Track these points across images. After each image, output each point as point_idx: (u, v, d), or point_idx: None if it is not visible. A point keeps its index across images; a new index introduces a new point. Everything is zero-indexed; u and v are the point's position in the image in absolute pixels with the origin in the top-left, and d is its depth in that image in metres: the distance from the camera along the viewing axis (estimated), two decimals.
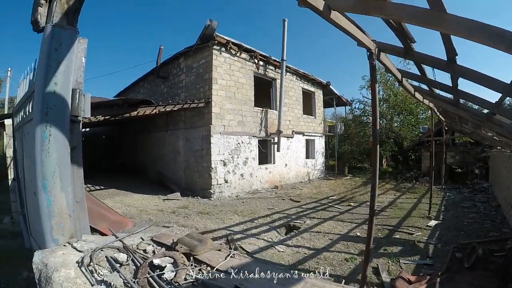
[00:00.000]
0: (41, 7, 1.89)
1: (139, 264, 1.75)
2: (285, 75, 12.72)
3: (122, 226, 6.55)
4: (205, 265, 1.70)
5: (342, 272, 4.19)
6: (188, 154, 10.92)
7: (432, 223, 6.63)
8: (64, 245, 1.86)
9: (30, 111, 2.81)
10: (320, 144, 16.52)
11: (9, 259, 5.28)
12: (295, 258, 4.68)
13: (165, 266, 1.66)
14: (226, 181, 10.48)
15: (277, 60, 12.58)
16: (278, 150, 12.35)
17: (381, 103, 19.54)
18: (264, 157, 12.61)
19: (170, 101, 10.02)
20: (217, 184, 10.18)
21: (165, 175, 12.19)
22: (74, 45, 2.01)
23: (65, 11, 1.95)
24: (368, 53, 3.02)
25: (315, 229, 6.26)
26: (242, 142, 11.10)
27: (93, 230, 6.17)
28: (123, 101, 8.35)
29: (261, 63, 12.11)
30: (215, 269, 1.59)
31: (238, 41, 10.97)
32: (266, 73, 12.53)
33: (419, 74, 4.33)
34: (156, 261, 1.70)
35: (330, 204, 8.99)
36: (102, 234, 6.16)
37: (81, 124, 2.25)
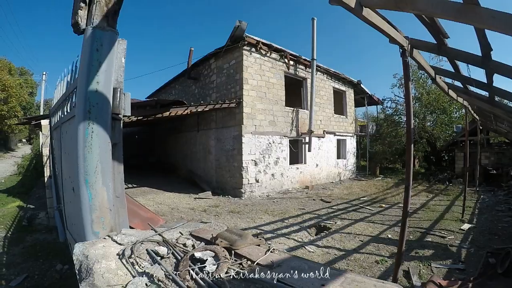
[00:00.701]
0: (81, 10, 1.90)
1: (179, 257, 1.63)
2: (316, 74, 12.34)
3: (154, 223, 6.67)
4: (245, 259, 1.54)
5: (372, 274, 4.02)
6: (219, 154, 10.88)
7: (465, 226, 6.18)
8: (104, 238, 1.83)
9: (69, 110, 2.85)
10: (351, 144, 15.82)
11: (44, 252, 5.45)
12: (325, 259, 4.53)
13: (206, 259, 1.55)
14: (257, 181, 10.27)
15: (307, 59, 12.24)
16: (309, 150, 11.94)
17: (414, 101, 18.37)
18: (295, 157, 12.25)
19: (201, 102, 10.00)
20: (248, 183, 9.99)
21: (196, 173, 12.26)
22: (115, 46, 1.98)
23: (104, 13, 1.94)
24: (400, 50, 2.90)
25: (345, 230, 6.03)
26: (273, 142, 10.83)
27: None
28: (155, 102, 8.47)
29: (291, 62, 11.81)
30: (255, 263, 1.43)
31: (268, 41, 10.78)
32: (297, 72, 12.18)
33: (453, 71, 4.04)
34: (198, 255, 1.58)
35: (361, 205, 8.59)
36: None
37: (121, 122, 2.23)
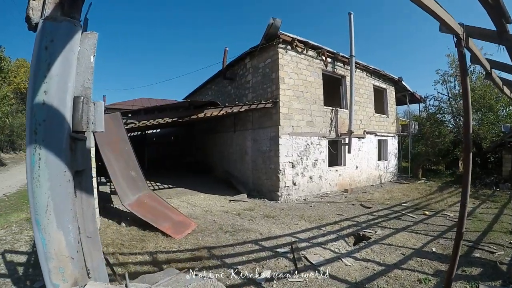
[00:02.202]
0: (34, 0, 1.38)
1: None
2: (355, 71, 11.15)
3: (185, 227, 6.13)
4: None
5: None
6: (255, 155, 10.17)
7: None
8: None
9: None
10: (393, 145, 14.26)
11: None
12: (363, 275, 3.98)
13: None
14: (294, 184, 9.39)
15: (346, 56, 11.12)
16: (349, 152, 10.79)
17: (457, 99, 16.31)
18: (334, 158, 11.16)
19: (237, 102, 9.40)
20: (285, 186, 9.15)
21: (232, 174, 11.67)
22: (73, 41, 1.42)
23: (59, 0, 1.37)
24: (455, 39, 2.56)
25: (386, 241, 5.32)
26: (312, 143, 9.87)
27: (155, 230, 5.76)
28: (189, 103, 8.06)
29: (329, 60, 10.77)
30: None
31: (304, 38, 9.87)
32: (335, 70, 11.09)
33: None
34: None
35: (403, 212, 7.55)
36: (164, 234, 5.64)
37: (91, 141, 1.80)
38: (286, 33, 9.34)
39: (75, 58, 1.47)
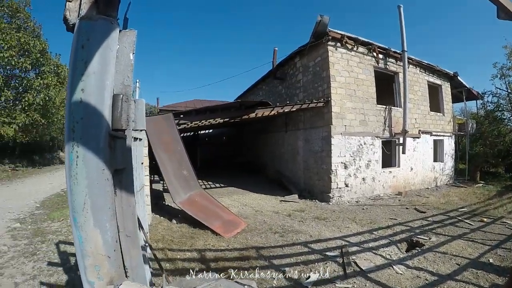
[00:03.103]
0: (70, 1, 1.37)
1: None
2: (408, 67, 10.20)
3: (235, 226, 5.97)
4: None
5: None
6: (307, 155, 9.74)
7: None
8: None
9: None
10: (449, 145, 12.89)
11: None
12: (414, 284, 3.68)
13: None
14: (347, 185, 8.80)
15: (397, 51, 10.22)
16: (403, 152, 9.89)
17: None
18: (388, 159, 10.33)
19: (288, 102, 9.08)
20: (337, 187, 8.62)
21: (283, 174, 11.34)
22: (110, 39, 1.35)
23: None
24: None
25: (440, 249, 4.83)
26: (365, 143, 9.20)
27: (205, 228, 5.63)
28: (240, 104, 7.91)
29: (380, 56, 9.99)
30: None
31: (354, 35, 9.26)
32: (387, 66, 10.27)
33: None
34: None
35: (459, 218, 6.76)
36: (214, 232, 5.48)
37: (131, 139, 1.62)
38: (335, 30, 8.85)
39: (113, 56, 1.39)
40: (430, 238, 5.30)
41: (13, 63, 13.24)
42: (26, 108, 13.61)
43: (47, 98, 14.11)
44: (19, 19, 14.49)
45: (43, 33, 15.90)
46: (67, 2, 1.35)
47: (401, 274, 3.90)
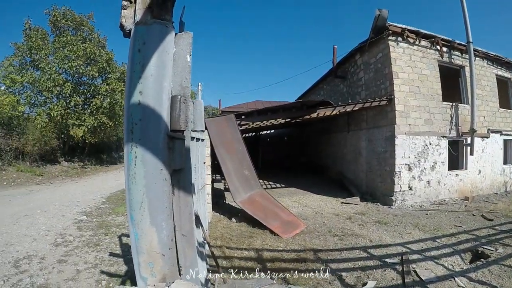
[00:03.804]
0: (125, 9, 1.36)
1: None
2: (474, 60, 9.16)
3: (294, 227, 5.78)
4: None
5: None
6: (370, 156, 9.25)
7: None
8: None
9: None
10: None
11: None
12: None
13: None
14: (410, 188, 8.17)
15: (462, 43, 9.26)
16: (471, 153, 8.94)
17: None
18: (454, 161, 9.40)
19: (350, 101, 8.67)
20: (400, 190, 8.04)
21: (345, 175, 10.94)
22: (166, 42, 1.31)
23: (148, 4, 1.33)
24: None
25: (507, 262, 4.31)
26: (430, 144, 8.47)
27: (264, 228, 5.48)
28: (301, 104, 7.70)
29: (444, 49, 9.14)
30: None
31: (415, 28, 8.54)
32: (452, 60, 9.39)
33: None
34: None
35: None
36: (272, 232, 5.33)
37: (189, 140, 1.59)
38: (395, 24, 8.30)
39: (170, 58, 1.39)
40: (496, 249, 4.79)
41: (81, 71, 14.45)
42: (94, 111, 14.79)
43: (113, 102, 15.20)
44: (83, 32, 15.80)
45: (108, 44, 17.20)
46: (122, 10, 1.38)
47: (462, 287, 3.57)
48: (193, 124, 1.59)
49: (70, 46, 14.14)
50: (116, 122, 16.44)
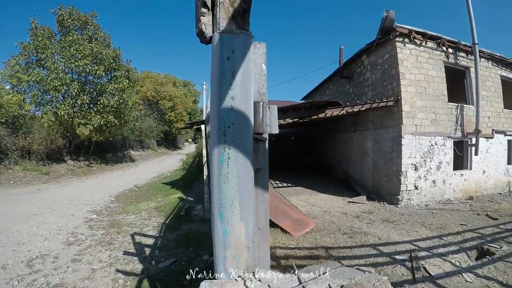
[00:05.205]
0: (204, 16, 1.50)
1: None
2: (479, 61, 9.38)
3: (304, 225, 5.98)
4: None
5: None
6: (376, 156, 9.47)
7: None
8: (236, 280, 1.43)
9: None
10: None
11: (195, 241, 5.37)
12: None
13: None
14: (416, 188, 8.41)
15: (468, 44, 9.46)
16: (476, 154, 9.17)
17: None
18: (459, 161, 9.63)
19: (357, 101, 8.88)
20: (406, 190, 8.27)
21: (351, 175, 11.14)
22: (250, 51, 1.45)
23: (231, 14, 1.46)
24: None
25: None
26: (436, 144, 8.70)
27: (275, 226, 5.66)
28: (310, 104, 7.90)
29: (450, 50, 9.36)
30: None
31: (421, 29, 8.79)
32: (457, 61, 9.61)
33: None
34: None
35: None
36: (283, 230, 5.53)
37: (267, 142, 1.72)
38: (402, 25, 8.50)
39: (252, 67, 1.50)
40: (501, 247, 4.99)
41: (87, 70, 14.66)
42: (101, 110, 15.00)
43: (121, 101, 15.41)
44: (89, 31, 16.01)
45: (113, 42, 17.37)
46: (201, 17, 1.47)
47: (470, 282, 3.78)
48: (269, 127, 1.79)
49: (77, 45, 14.35)
50: (122, 121, 16.64)
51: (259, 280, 1.44)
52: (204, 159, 7.61)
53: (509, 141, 11.00)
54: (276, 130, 1.68)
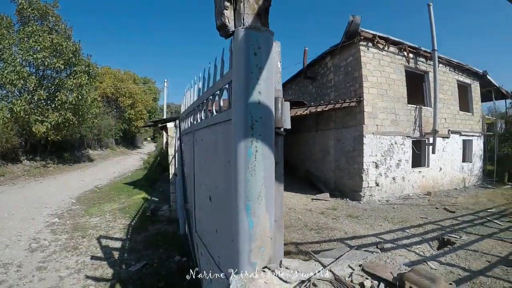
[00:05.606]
0: (227, 10, 1.55)
1: None
2: (438, 66, 10.19)
3: None
4: None
5: None
6: (338, 155, 9.94)
7: None
8: (263, 271, 1.49)
9: (203, 118, 2.65)
10: (478, 146, 12.80)
11: (164, 242, 5.39)
12: (448, 279, 3.78)
13: None
14: (377, 184, 8.96)
15: (428, 50, 10.25)
16: (433, 152, 9.97)
17: None
18: (417, 159, 10.37)
19: (321, 102, 9.25)
20: (368, 187, 8.80)
21: (314, 174, 11.55)
22: (272, 48, 1.53)
23: (256, 11, 1.54)
24: None
25: (471, 247, 5.09)
26: (395, 143, 9.32)
27: None
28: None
29: (411, 55, 10.07)
30: None
31: (385, 34, 9.35)
32: (417, 66, 10.36)
33: None
34: None
35: (488, 218, 6.92)
36: None
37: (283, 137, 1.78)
38: (366, 30, 9.01)
39: (273, 64, 1.57)
40: (461, 237, 5.50)
41: (46, 63, 13.89)
42: (59, 107, 14.25)
43: (79, 97, 14.73)
44: (50, 22, 15.17)
45: (73, 34, 16.56)
46: (225, 10, 1.52)
47: (435, 269, 4.09)
48: (285, 123, 1.86)
49: (36, 37, 13.54)
50: (81, 119, 15.92)
51: (287, 268, 1.50)
52: (170, 157, 7.54)
53: (464, 140, 12.02)
54: (289, 126, 1.72)
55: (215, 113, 2.24)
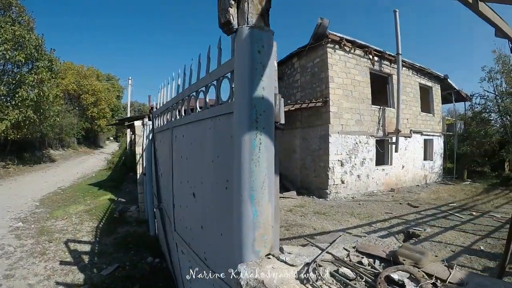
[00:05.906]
0: (231, 7, 1.66)
1: (370, 280, 1.30)
2: (401, 69, 10.90)
3: None
4: (434, 278, 1.24)
5: None
6: (304, 153, 10.34)
7: None
8: (268, 258, 1.57)
9: (184, 115, 2.72)
10: (438, 145, 13.79)
11: (135, 244, 5.40)
12: None
13: (403, 281, 1.21)
14: (343, 182, 9.45)
15: (392, 54, 10.94)
16: (396, 151, 10.64)
17: (504, 97, 15.49)
18: (381, 158, 11.04)
19: (288, 102, 9.57)
20: (334, 184, 9.26)
21: (280, 173, 11.79)
22: (272, 47, 1.69)
23: (260, 11, 1.68)
24: (510, 44, 2.98)
25: (435, 239, 5.41)
26: (360, 142, 9.88)
27: None
28: None
29: (376, 58, 10.70)
30: (447, 281, 1.22)
31: (352, 37, 9.88)
32: (382, 68, 11.00)
33: None
34: (395, 276, 1.26)
35: (450, 212, 7.47)
36: None
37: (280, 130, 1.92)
38: (334, 33, 9.43)
39: (274, 62, 1.72)
40: (425, 230, 5.88)
41: (7, 57, 13.20)
42: (19, 103, 13.59)
43: (41, 94, 14.12)
44: (13, 13, 14.43)
45: (36, 27, 15.83)
46: (229, 8, 1.63)
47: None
48: (281, 117, 2.02)
49: None
50: (42, 117, 15.26)
51: (289, 253, 1.59)
52: (138, 156, 7.46)
53: (425, 140, 12.92)
54: (283, 120, 1.83)
55: (199, 109, 2.33)
